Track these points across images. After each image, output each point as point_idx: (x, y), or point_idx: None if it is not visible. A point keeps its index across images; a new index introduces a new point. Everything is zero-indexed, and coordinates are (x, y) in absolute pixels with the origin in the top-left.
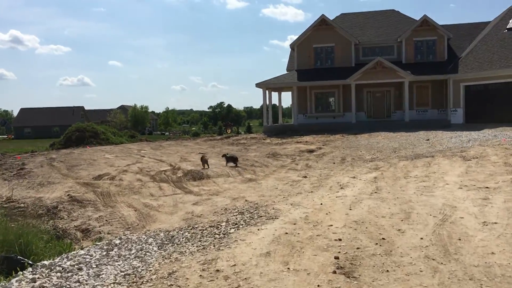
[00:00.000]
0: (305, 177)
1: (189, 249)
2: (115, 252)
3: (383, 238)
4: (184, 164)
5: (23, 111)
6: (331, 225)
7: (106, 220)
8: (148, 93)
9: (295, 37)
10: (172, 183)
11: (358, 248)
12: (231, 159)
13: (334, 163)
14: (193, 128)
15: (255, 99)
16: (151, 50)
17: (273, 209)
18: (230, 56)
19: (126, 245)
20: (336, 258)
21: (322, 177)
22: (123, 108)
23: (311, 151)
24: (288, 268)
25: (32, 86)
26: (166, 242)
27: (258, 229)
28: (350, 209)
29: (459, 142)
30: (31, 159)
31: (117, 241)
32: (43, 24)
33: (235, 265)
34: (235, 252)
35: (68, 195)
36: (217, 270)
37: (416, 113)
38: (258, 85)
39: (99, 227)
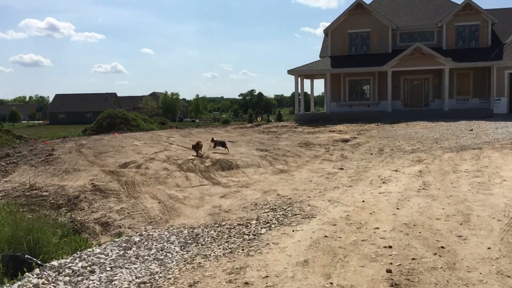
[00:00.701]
0: (342, 169)
1: (214, 252)
2: (133, 251)
3: (442, 247)
4: (212, 152)
5: (58, 97)
6: (378, 228)
7: (127, 213)
8: (179, 80)
9: (327, 24)
10: (199, 173)
11: (413, 258)
12: (219, 143)
13: (371, 154)
14: (224, 116)
15: (286, 87)
16: (183, 38)
17: (308, 205)
18: (261, 43)
19: (146, 243)
20: (389, 271)
21: (360, 170)
22: (154, 95)
23: (345, 140)
24: (331, 283)
25: (67, 73)
26: (190, 241)
27: (293, 230)
28: (398, 209)
29: (506, 133)
30: (61, 145)
31: (137, 238)
32: (78, 11)
33: (267, 276)
34: (267, 259)
35: (92, 183)
36: (246, 283)
37: (456, 102)
38: (290, 72)
39: (120, 220)
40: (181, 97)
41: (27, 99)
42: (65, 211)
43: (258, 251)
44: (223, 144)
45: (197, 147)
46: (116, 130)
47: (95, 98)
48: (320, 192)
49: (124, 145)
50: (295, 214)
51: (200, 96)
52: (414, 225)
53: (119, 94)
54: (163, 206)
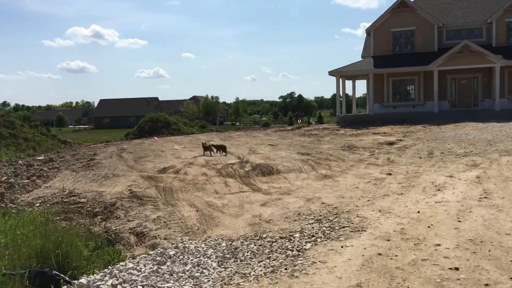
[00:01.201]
0: (390, 174)
1: (254, 271)
2: (167, 266)
3: None
4: (252, 157)
5: (102, 102)
6: (439, 245)
7: (164, 222)
8: (219, 84)
9: (367, 24)
10: (239, 179)
11: (486, 284)
12: (221, 147)
13: (420, 157)
14: (264, 118)
15: (326, 89)
16: (223, 41)
17: (357, 216)
18: (301, 45)
19: (181, 257)
20: None
21: (410, 175)
22: (195, 99)
23: (390, 143)
24: None
25: (112, 78)
26: (228, 255)
27: (342, 246)
28: (459, 221)
29: None
30: (103, 149)
31: (172, 252)
32: (122, 18)
33: None
34: (314, 281)
35: (129, 190)
36: None
37: (507, 102)
38: (331, 73)
39: (156, 230)
40: (221, 101)
41: (74, 104)
42: (100, 220)
43: (304, 271)
44: (223, 149)
45: (209, 148)
46: (158, 134)
47: (137, 103)
48: (368, 200)
49: (164, 149)
50: (343, 227)
51: (240, 99)
52: (481, 242)
53: (160, 99)
54: (201, 215)
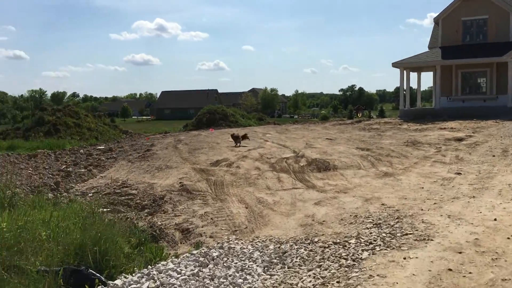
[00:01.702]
0: (459, 173)
1: (302, 282)
2: (209, 270)
3: None
4: (308, 151)
5: (163, 94)
6: None
7: (211, 219)
8: (278, 76)
9: (435, 15)
10: (293, 174)
11: None
12: (238, 138)
13: (493, 155)
14: (323, 112)
15: (388, 82)
16: (283, 34)
17: (422, 222)
18: (363, 37)
19: (225, 259)
20: None
21: (483, 175)
22: (253, 91)
23: (459, 139)
24: None
25: (174, 71)
26: (275, 260)
27: (405, 258)
28: None
29: None
30: (160, 140)
31: (215, 253)
32: (185, 11)
33: None
34: None
35: (180, 183)
36: None
37: None
38: (395, 64)
39: (202, 227)
40: (280, 93)
41: (138, 95)
42: (146, 214)
43: (359, 286)
44: (243, 138)
45: (237, 139)
46: (215, 126)
47: (197, 95)
48: (435, 203)
49: (219, 141)
50: (406, 234)
51: (299, 92)
52: None
53: (220, 91)
54: (250, 212)
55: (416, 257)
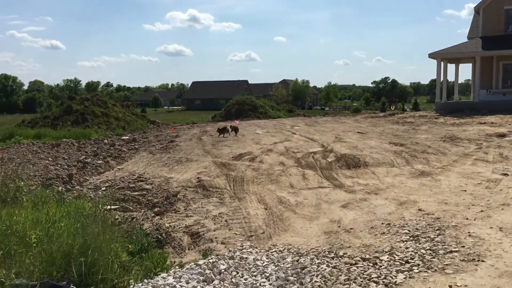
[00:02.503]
0: (506, 174)
1: None
2: (214, 286)
3: None
4: (338, 145)
5: (194, 84)
6: None
7: (225, 221)
8: (310, 68)
9: (473, 5)
10: (319, 171)
11: None
12: (234, 128)
13: None
14: (354, 104)
15: (423, 74)
16: (315, 25)
17: (469, 235)
18: (398, 28)
19: (234, 273)
20: None
21: None
22: (284, 82)
23: (501, 135)
24: None
25: (206, 61)
26: (292, 278)
27: (450, 286)
28: None
29: None
30: (186, 131)
31: (224, 265)
32: (217, 2)
33: None
34: None
35: (198, 178)
36: None
37: None
38: (431, 55)
39: (214, 230)
40: (311, 85)
41: (170, 86)
42: (155, 213)
43: None
44: (235, 130)
45: (223, 131)
46: (244, 117)
47: (227, 85)
48: (482, 211)
49: (245, 133)
50: (450, 251)
51: (331, 84)
52: None
53: (251, 82)
54: (270, 214)
55: (466, 286)
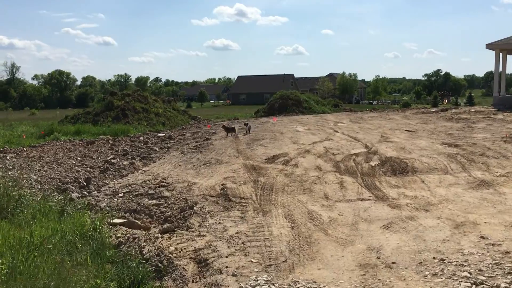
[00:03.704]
0: None
1: None
2: None
3: None
4: (383, 146)
5: (240, 78)
6: None
7: (242, 243)
8: (358, 61)
9: None
10: (360, 177)
11: None
12: (232, 129)
13: None
14: (404, 98)
15: (478, 66)
16: (365, 17)
17: None
18: (451, 19)
19: None
20: None
21: None
22: (331, 76)
23: None
24: None
25: (253, 56)
26: None
27: None
28: None
29: None
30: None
31: None
32: None
33: None
34: None
35: (223, 185)
36: None
37: None
38: (489, 46)
39: (227, 256)
40: (359, 78)
41: (217, 80)
42: (157, 232)
43: None
44: (233, 130)
45: (231, 130)
46: (288, 112)
47: (273, 79)
48: None
49: (285, 130)
50: None
51: (380, 77)
52: None
53: (298, 75)
54: (296, 235)
55: None
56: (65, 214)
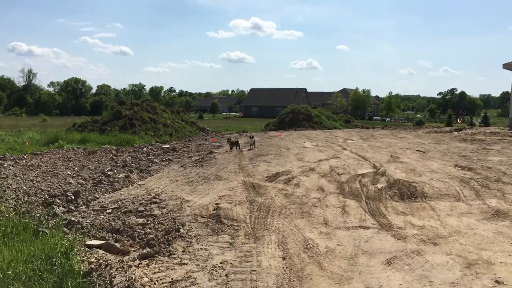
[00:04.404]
0: None
1: None
2: None
3: None
4: (392, 167)
5: (252, 91)
6: None
7: (226, 275)
8: (372, 77)
9: None
10: (364, 201)
11: None
12: (236, 143)
13: None
14: (418, 116)
15: (494, 86)
16: (380, 33)
17: None
18: (467, 38)
19: None
20: None
21: None
22: (344, 91)
23: None
24: None
25: (267, 69)
26: None
27: None
28: None
29: None
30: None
31: None
32: (280, 10)
33: None
34: None
35: (217, 204)
36: None
37: None
38: (506, 66)
39: None
40: (373, 94)
41: (230, 92)
42: (136, 258)
43: None
44: (237, 144)
45: (235, 144)
46: (298, 126)
47: (286, 93)
48: None
49: (292, 146)
50: None
51: (394, 94)
52: None
53: (312, 90)
54: (287, 268)
55: None
56: (41, 233)
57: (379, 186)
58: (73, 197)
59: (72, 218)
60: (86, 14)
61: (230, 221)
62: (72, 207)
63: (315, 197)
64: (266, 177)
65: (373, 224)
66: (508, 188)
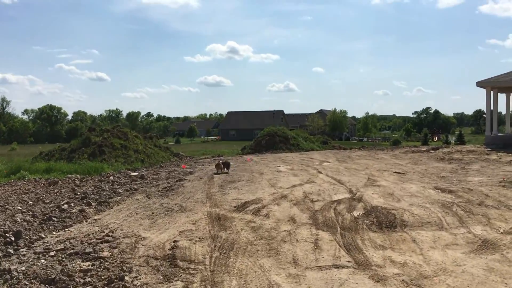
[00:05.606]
0: None
1: None
2: None
3: None
4: (369, 191)
5: (229, 114)
6: None
7: None
8: (348, 98)
9: None
10: (339, 234)
11: None
12: (225, 164)
13: None
14: (394, 135)
15: (466, 104)
16: (354, 55)
17: None
18: (439, 58)
19: None
20: None
21: None
22: (321, 113)
23: None
24: None
25: (244, 92)
26: None
27: None
28: None
29: None
30: (205, 166)
31: None
32: (256, 34)
33: None
34: None
35: (175, 241)
36: None
37: None
38: (480, 84)
39: None
40: (350, 115)
41: (208, 116)
42: None
43: None
44: (227, 166)
45: (220, 166)
46: (275, 149)
47: (263, 115)
48: None
49: (265, 170)
50: None
51: (370, 114)
52: None
53: (290, 112)
54: None
55: None
56: None
57: (356, 214)
58: (13, 238)
59: (5, 266)
60: (62, 41)
61: (187, 263)
62: (11, 250)
63: (285, 230)
64: (234, 207)
65: (349, 261)
66: (492, 212)
